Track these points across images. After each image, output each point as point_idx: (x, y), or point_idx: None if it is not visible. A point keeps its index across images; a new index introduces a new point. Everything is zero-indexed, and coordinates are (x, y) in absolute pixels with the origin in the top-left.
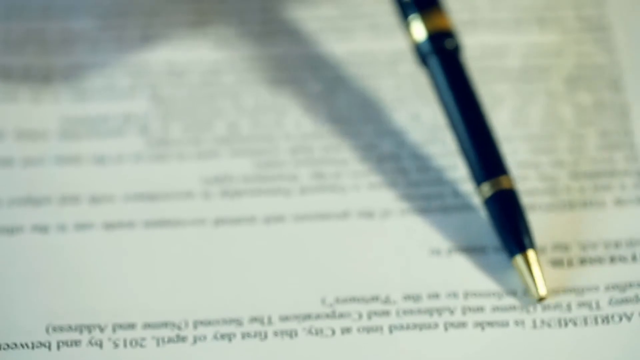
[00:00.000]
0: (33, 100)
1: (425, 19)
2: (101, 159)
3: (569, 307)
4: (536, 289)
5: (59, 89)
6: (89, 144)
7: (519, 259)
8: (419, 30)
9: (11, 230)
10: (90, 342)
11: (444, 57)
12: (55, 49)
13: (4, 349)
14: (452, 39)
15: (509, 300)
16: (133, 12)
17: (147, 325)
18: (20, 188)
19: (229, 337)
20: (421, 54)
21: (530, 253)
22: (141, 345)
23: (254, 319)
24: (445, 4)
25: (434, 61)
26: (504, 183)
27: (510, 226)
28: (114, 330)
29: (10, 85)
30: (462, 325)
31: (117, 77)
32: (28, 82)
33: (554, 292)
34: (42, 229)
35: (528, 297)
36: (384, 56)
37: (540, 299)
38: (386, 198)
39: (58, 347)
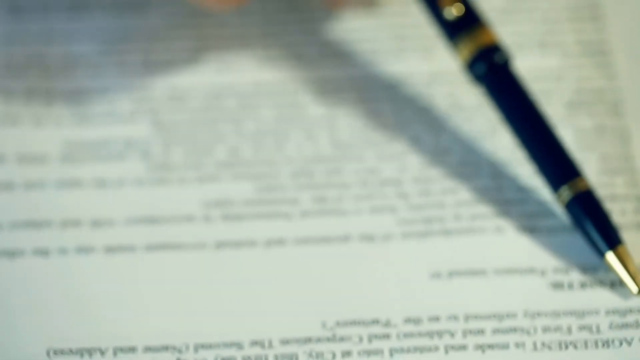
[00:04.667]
0: (34, 124)
1: (472, 37)
2: (102, 183)
3: (569, 329)
4: (634, 283)
5: (61, 113)
6: (91, 168)
7: (609, 255)
8: (467, 50)
9: (12, 254)
10: None
11: (496, 73)
12: (57, 73)
13: None
14: (501, 52)
15: (510, 323)
16: (134, 37)
17: (147, 349)
18: (21, 212)
19: None
20: (474, 74)
21: (622, 249)
22: None
23: (254, 343)
24: (487, 18)
25: (488, 80)
26: (580, 185)
27: (595, 226)
28: (114, 353)
29: (12, 109)
30: (463, 348)
31: (118, 101)
32: (30, 106)
33: (554, 314)
34: (43, 252)
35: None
36: (384, 80)
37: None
38: (387, 222)
39: None
